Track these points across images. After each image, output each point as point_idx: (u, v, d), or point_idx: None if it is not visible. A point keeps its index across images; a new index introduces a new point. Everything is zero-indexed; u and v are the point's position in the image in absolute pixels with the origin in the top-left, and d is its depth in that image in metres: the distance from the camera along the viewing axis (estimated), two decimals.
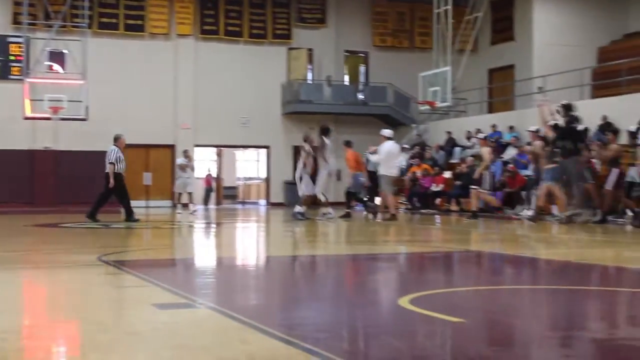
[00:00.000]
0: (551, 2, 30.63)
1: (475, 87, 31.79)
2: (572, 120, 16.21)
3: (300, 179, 18.38)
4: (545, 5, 30.53)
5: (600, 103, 24.00)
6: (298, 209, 18.45)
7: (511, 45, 31.79)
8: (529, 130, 20.22)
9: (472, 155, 23.50)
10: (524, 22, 30.90)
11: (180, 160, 25.13)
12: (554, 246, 11.81)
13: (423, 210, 24.06)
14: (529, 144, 21.38)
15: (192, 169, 24.92)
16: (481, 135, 20.95)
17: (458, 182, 23.63)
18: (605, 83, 26.56)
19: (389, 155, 18.48)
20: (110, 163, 17.41)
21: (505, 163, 22.23)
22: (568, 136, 16.08)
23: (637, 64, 25.27)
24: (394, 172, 18.78)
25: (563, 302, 6.02)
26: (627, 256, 10.08)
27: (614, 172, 16.42)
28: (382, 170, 18.51)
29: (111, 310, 5.45)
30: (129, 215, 17.51)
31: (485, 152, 19.70)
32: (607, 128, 22.20)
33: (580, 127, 16.57)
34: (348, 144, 20.51)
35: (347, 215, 19.33)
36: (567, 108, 16.58)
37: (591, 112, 23.03)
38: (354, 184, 20.01)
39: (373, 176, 19.75)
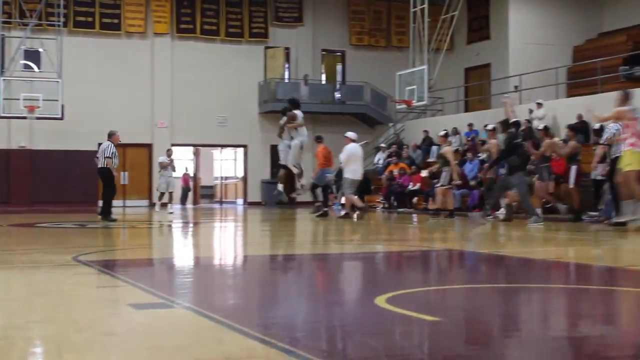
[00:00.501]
0: (526, 1, 30.84)
1: (452, 86, 31.92)
2: (513, 136, 16.36)
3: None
4: (520, 4, 30.72)
5: (575, 102, 24.15)
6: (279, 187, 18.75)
7: (487, 44, 31.94)
8: (487, 129, 20.38)
9: (437, 157, 23.43)
10: (500, 21, 31.06)
11: (162, 158, 24.95)
12: (528, 244, 11.87)
13: (400, 209, 24.13)
14: (483, 142, 21.52)
15: (174, 168, 24.85)
16: (442, 133, 20.79)
17: (435, 181, 23.71)
18: (580, 82, 26.74)
19: (351, 158, 18.56)
20: (108, 157, 17.64)
21: (482, 162, 22.32)
22: (513, 152, 16.26)
23: (611, 62, 25.47)
24: (357, 175, 18.83)
25: (539, 300, 6.06)
26: (596, 254, 10.15)
27: (573, 169, 16.55)
28: (346, 173, 18.70)
29: (87, 311, 5.43)
30: (107, 214, 17.48)
31: (448, 151, 19.67)
32: (582, 127, 22.38)
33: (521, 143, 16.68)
34: (319, 139, 20.55)
35: (324, 215, 19.34)
36: (505, 124, 16.73)
37: (566, 111, 23.23)
38: (318, 178, 19.92)
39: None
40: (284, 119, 18.71)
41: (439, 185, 19.93)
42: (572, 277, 7.83)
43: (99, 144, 18.46)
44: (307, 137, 19.19)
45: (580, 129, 22.21)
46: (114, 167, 17.72)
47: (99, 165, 17.85)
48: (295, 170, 18.51)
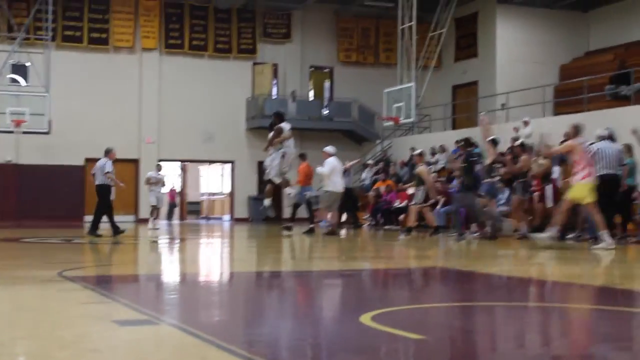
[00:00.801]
0: (514, 19, 31.00)
1: (439, 104, 32.02)
2: (471, 155, 16.59)
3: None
4: (508, 22, 30.88)
5: (562, 120, 24.22)
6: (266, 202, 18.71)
7: (474, 62, 32.08)
8: (413, 154, 20.49)
9: (412, 176, 23.22)
10: (487, 39, 31.21)
11: (151, 174, 24.77)
12: (512, 263, 11.90)
13: (387, 227, 24.14)
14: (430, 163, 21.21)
15: (163, 183, 24.79)
16: (417, 152, 20.82)
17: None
18: (567, 100, 26.87)
19: (333, 171, 18.85)
20: (107, 173, 18.16)
21: None
22: (468, 171, 16.57)
23: (598, 81, 25.61)
24: (339, 188, 19.10)
25: (526, 320, 6.08)
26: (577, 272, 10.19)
27: (549, 189, 16.65)
28: (328, 186, 18.88)
29: (71, 327, 5.41)
30: (94, 230, 17.68)
31: (423, 171, 19.54)
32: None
33: (479, 161, 16.91)
34: (302, 157, 20.59)
35: (310, 231, 19.31)
36: (467, 143, 17.05)
37: (553, 129, 23.27)
38: (297, 196, 19.90)
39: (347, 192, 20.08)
40: (272, 133, 18.76)
41: (412, 203, 20.04)
42: (555, 296, 7.85)
43: (87, 160, 18.57)
44: (295, 149, 19.19)
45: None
46: (115, 181, 18.46)
47: (97, 182, 18.27)
48: (276, 181, 18.50)
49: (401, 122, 28.92)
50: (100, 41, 30.63)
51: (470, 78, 32.28)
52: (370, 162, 30.19)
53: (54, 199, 29.34)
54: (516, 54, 30.40)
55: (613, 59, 28.36)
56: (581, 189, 13.50)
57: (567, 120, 23.49)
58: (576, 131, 14.05)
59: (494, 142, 16.91)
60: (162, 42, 31.46)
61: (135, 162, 31.06)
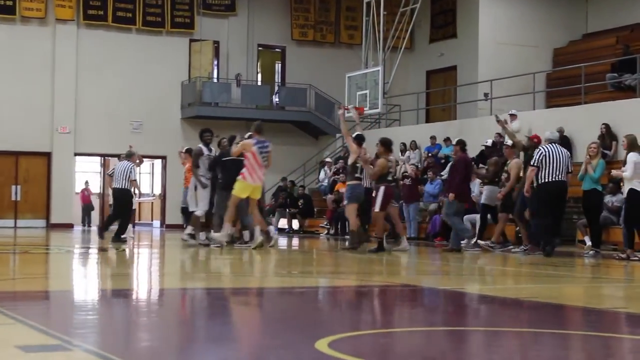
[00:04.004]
0: None
1: (411, 92, 32.16)
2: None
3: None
4: None
5: (555, 113, 24.50)
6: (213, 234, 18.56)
7: (453, 43, 32.25)
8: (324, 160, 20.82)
9: None
10: (469, 16, 31.39)
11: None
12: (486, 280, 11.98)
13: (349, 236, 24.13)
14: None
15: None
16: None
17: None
18: (561, 90, 27.11)
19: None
20: (134, 180, 19.21)
21: (444, 182, 22.51)
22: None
23: (597, 68, 25.86)
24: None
25: (502, 344, 6.11)
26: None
27: (381, 191, 17.00)
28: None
29: None
30: (119, 237, 18.82)
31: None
32: (564, 143, 22.68)
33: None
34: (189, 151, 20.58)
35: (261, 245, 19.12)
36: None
37: (545, 124, 23.47)
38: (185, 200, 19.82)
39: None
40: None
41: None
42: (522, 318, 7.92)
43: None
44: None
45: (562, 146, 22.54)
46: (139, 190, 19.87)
47: (118, 186, 19.15)
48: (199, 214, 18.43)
49: (366, 113, 29.01)
50: (4, 10, 30.31)
51: (448, 62, 32.48)
52: (328, 160, 30.25)
53: None
54: (502, 35, 30.59)
55: (615, 43, 28.68)
56: (238, 185, 16.73)
57: (562, 114, 23.82)
58: (258, 129, 17.55)
59: (358, 139, 17.47)
60: (80, 12, 31.22)
61: (46, 155, 30.78)
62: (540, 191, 16.11)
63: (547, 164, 15.93)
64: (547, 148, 16.14)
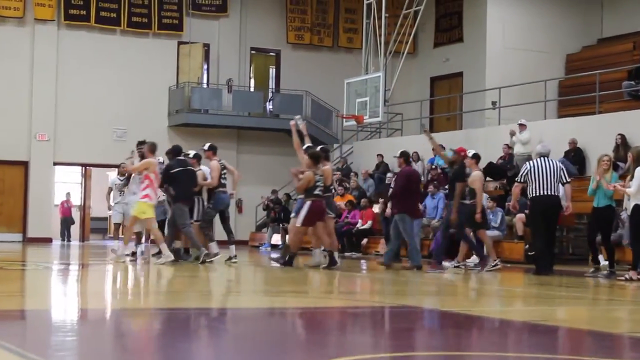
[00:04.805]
0: None
1: (414, 99, 32.15)
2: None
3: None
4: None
5: (567, 123, 24.49)
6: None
7: (459, 48, 32.26)
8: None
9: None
10: (476, 19, 31.41)
11: (115, 179, 22.89)
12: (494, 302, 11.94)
13: (346, 254, 24.10)
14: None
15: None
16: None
17: None
18: (574, 99, 27.12)
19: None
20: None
21: (447, 196, 22.45)
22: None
23: (613, 76, 25.87)
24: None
25: None
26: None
27: (306, 206, 17.10)
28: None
29: None
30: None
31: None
32: (577, 155, 22.67)
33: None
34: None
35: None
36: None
37: (556, 134, 23.49)
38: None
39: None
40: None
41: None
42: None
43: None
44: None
45: (575, 158, 22.56)
46: None
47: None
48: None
49: (366, 122, 28.98)
50: None
51: (453, 68, 32.50)
52: None
53: None
54: (511, 40, 30.62)
55: (632, 49, 28.73)
56: (141, 206, 17.40)
57: (574, 124, 23.80)
58: (153, 149, 17.74)
59: (314, 154, 17.63)
60: (60, 11, 31.21)
61: (23, 164, 30.73)
62: (529, 206, 16.94)
63: (535, 179, 16.39)
64: (533, 163, 16.67)
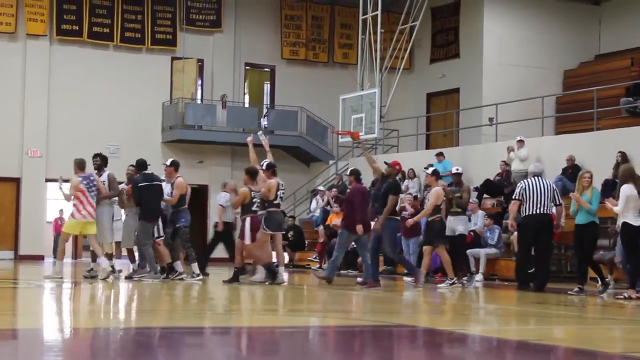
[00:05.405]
0: (506, 11, 31.21)
1: (410, 116, 32.15)
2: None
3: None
4: (498, 15, 31.10)
5: (565, 140, 24.49)
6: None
7: (455, 64, 32.29)
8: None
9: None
10: (472, 35, 31.47)
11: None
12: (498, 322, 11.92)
13: (342, 271, 24.06)
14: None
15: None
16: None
17: None
18: (572, 116, 27.14)
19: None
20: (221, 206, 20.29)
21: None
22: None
23: (611, 92, 25.89)
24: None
25: None
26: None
27: (247, 222, 17.43)
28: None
29: None
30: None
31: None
32: (574, 172, 22.64)
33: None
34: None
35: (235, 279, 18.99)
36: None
37: (554, 151, 23.52)
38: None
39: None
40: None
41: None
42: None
43: None
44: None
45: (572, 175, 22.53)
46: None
47: (229, 220, 20.40)
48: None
49: (361, 139, 28.95)
50: None
51: (450, 84, 32.53)
52: (321, 188, 30.18)
53: None
54: (508, 56, 30.68)
55: (630, 65, 28.76)
56: (68, 222, 18.42)
57: (572, 141, 23.80)
58: (81, 166, 18.75)
59: (270, 168, 18.20)
60: (53, 26, 31.22)
61: (15, 181, 30.69)
62: (521, 225, 17.28)
63: (528, 198, 16.90)
64: (527, 182, 17.17)
